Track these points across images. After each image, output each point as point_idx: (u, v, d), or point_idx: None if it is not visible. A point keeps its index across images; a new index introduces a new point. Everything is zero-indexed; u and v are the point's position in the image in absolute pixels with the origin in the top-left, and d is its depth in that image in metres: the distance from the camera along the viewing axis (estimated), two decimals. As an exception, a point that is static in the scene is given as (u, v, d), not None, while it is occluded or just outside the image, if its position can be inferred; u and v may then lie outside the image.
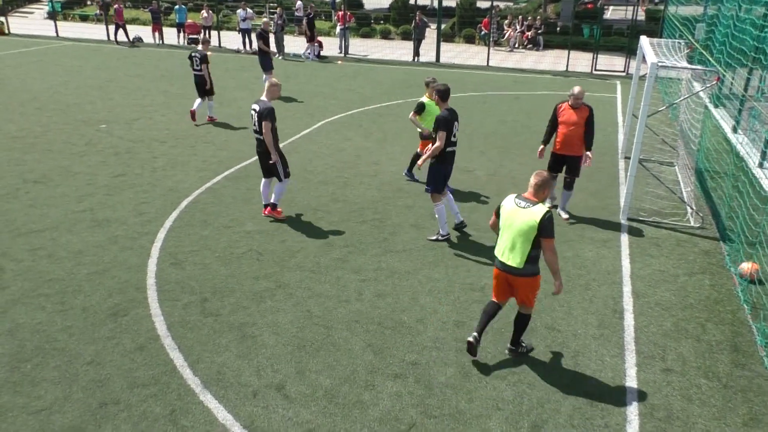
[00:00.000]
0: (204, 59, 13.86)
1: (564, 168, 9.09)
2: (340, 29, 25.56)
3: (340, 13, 25.64)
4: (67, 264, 7.55)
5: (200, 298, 6.86)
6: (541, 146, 9.05)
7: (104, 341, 6.06)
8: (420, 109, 9.84)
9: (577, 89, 8.76)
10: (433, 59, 23.99)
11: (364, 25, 31.77)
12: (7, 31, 29.15)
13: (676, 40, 12.07)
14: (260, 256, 7.85)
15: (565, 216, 9.16)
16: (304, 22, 24.14)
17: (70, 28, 30.81)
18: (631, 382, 5.65)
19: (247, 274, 7.42)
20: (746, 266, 7.30)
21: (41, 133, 13.02)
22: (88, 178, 10.45)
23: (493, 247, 5.77)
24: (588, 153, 8.78)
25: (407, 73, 21.29)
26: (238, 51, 25.43)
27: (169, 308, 6.65)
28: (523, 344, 6.01)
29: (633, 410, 5.30)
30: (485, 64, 23.37)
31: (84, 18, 35.53)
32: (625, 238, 8.56)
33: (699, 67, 10.39)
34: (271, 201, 8.96)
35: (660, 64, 8.70)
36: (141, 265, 7.56)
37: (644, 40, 11.16)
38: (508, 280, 5.65)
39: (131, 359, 5.80)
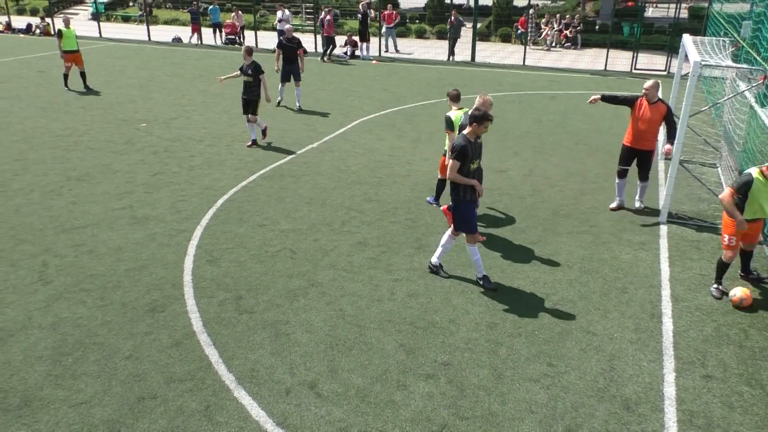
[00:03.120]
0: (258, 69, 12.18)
1: (636, 162, 9.10)
2: (387, 29, 25.69)
3: (386, 12, 25.77)
4: (107, 260, 7.75)
5: (235, 296, 6.95)
6: (598, 96, 9.06)
7: (142, 336, 6.20)
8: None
9: (648, 83, 8.72)
10: (469, 58, 23.83)
11: (399, 24, 31.75)
12: (53, 32, 30.06)
13: (721, 38, 11.73)
14: (294, 255, 7.92)
15: (640, 205, 9.29)
16: (359, 20, 24.39)
17: (113, 29, 31.60)
18: (670, 387, 5.52)
19: (281, 272, 7.49)
20: (739, 295, 6.84)
21: (84, 132, 13.38)
22: (128, 176, 10.71)
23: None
24: (669, 146, 8.77)
25: (442, 73, 21.19)
26: (274, 51, 25.66)
27: (205, 305, 6.77)
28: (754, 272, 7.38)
29: (671, 417, 5.17)
30: (521, 63, 23.11)
31: (126, 19, 36.41)
32: (664, 241, 8.37)
33: (744, 65, 10.08)
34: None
35: (703, 62, 8.47)
36: (178, 262, 7.71)
37: (687, 38, 10.88)
38: None
39: (168, 354, 5.92)
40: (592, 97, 9.10)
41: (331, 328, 6.36)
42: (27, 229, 8.58)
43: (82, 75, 17.56)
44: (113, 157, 11.77)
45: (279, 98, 15.78)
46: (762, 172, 6.60)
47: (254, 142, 12.49)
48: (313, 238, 8.41)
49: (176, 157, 11.75)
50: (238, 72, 12.28)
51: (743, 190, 6.63)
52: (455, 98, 8.94)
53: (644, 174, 9.11)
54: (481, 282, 7.19)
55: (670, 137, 8.79)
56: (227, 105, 15.98)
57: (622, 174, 9.22)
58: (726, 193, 6.74)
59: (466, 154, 6.60)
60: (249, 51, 12.27)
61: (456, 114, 8.80)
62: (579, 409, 5.26)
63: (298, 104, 15.63)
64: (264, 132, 12.70)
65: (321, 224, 8.83)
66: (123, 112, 15.23)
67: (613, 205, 9.43)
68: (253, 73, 12.04)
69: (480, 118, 6.60)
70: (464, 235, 7.05)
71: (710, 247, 8.19)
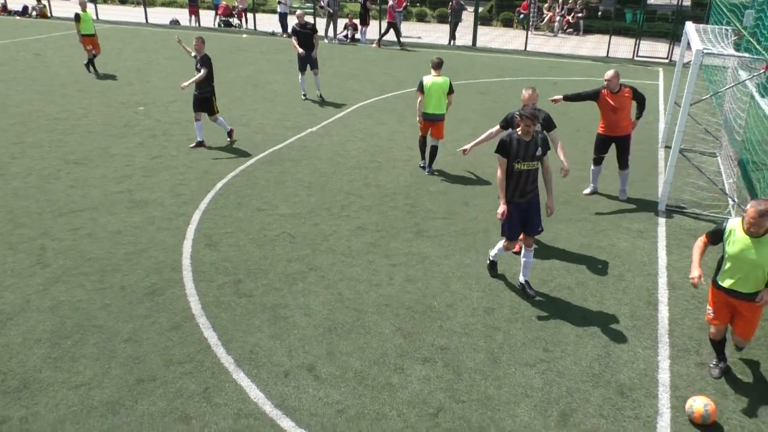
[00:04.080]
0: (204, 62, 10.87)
1: (615, 149, 9.14)
2: (396, 12, 25.47)
3: None
4: (106, 244, 7.76)
5: (234, 279, 6.98)
6: (560, 96, 9.07)
7: (141, 319, 6.23)
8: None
9: (608, 73, 8.76)
10: (470, 43, 23.68)
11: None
12: (49, 15, 29.83)
13: (723, 27, 11.68)
14: (293, 239, 7.94)
15: (622, 198, 9.36)
16: (360, 4, 24.17)
17: (110, 11, 31.30)
18: (664, 374, 5.57)
19: (279, 256, 7.51)
20: (700, 408, 4.98)
21: (82, 115, 13.33)
22: (127, 160, 10.68)
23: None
24: (636, 121, 9.13)
25: (443, 57, 21.03)
26: (273, 33, 25.53)
27: (204, 288, 6.79)
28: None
29: (665, 403, 5.22)
30: (523, 48, 22.99)
31: (123, 1, 36.09)
32: (662, 229, 8.39)
33: (746, 54, 10.05)
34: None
35: (705, 51, 8.43)
36: (177, 245, 7.72)
37: (690, 26, 10.83)
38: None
39: (167, 337, 5.95)
40: (555, 97, 9.10)
41: (329, 312, 6.39)
42: (25, 212, 8.58)
43: (93, 57, 17.42)
44: (111, 140, 11.73)
45: (303, 93, 14.95)
46: (743, 224, 5.03)
47: (231, 136, 11.51)
48: (312, 222, 8.42)
49: (175, 141, 11.72)
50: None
51: (714, 239, 5.29)
52: (436, 66, 9.81)
53: (624, 161, 9.13)
54: (488, 265, 7.18)
55: (638, 116, 9.04)
56: (224, 88, 15.90)
57: (597, 161, 9.33)
58: (701, 237, 5.46)
59: (505, 149, 6.26)
60: (202, 41, 10.94)
61: (429, 80, 9.71)
62: (574, 394, 5.30)
63: (318, 92, 14.92)
64: (230, 134, 11.54)
65: (320, 209, 8.84)
66: (121, 95, 15.16)
67: (587, 191, 9.54)
68: (200, 67, 10.77)
69: (522, 117, 6.18)
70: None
71: (708, 235, 8.21)
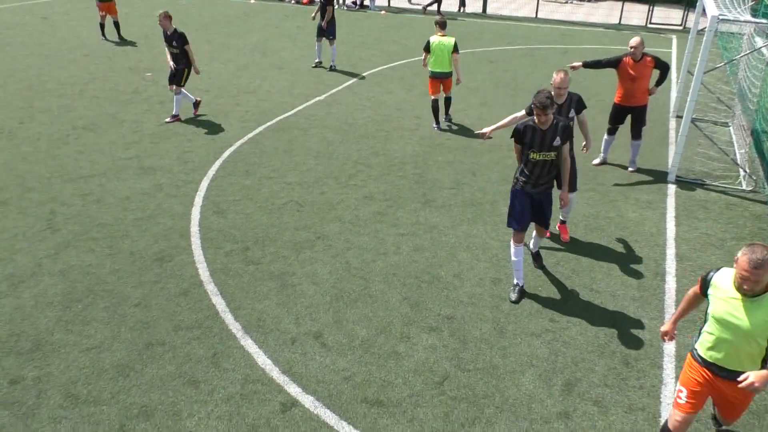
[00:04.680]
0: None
1: (630, 119, 9.01)
2: None
3: None
4: (115, 209, 7.80)
5: (242, 247, 7.01)
6: (579, 63, 8.80)
7: (150, 285, 6.29)
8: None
9: (633, 40, 8.58)
10: (480, 10, 23.28)
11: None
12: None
13: (740, -8, 11.38)
14: (300, 207, 7.95)
15: (632, 169, 9.25)
16: None
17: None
18: (669, 345, 5.58)
19: (287, 224, 7.53)
20: None
21: (90, 81, 13.27)
22: (135, 126, 10.66)
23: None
24: (655, 88, 8.89)
25: (453, 25, 20.71)
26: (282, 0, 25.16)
27: (212, 255, 6.84)
28: None
29: (669, 373, 5.26)
30: (534, 15, 22.57)
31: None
32: (671, 200, 8.33)
33: (763, 21, 9.82)
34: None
35: (721, 17, 8.24)
36: (185, 212, 7.75)
37: (705, -9, 10.56)
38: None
39: (176, 303, 6.02)
40: (574, 63, 8.85)
41: (336, 281, 6.43)
42: (34, 177, 8.62)
43: (116, 24, 17.09)
44: (119, 106, 11.70)
45: (316, 59, 14.73)
46: (734, 279, 3.69)
47: (176, 117, 10.94)
48: (319, 191, 8.42)
49: (183, 108, 11.65)
50: (166, 44, 10.74)
51: (703, 289, 3.96)
52: (441, 25, 10.27)
53: (638, 131, 8.99)
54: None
55: (659, 82, 8.82)
56: (232, 55, 15.77)
57: (611, 131, 9.22)
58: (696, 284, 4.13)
59: (519, 136, 5.83)
60: (169, 17, 10.43)
61: (435, 39, 10.18)
62: (579, 364, 5.34)
63: (332, 63, 14.53)
64: (196, 105, 11.22)
65: (328, 177, 8.82)
66: (128, 61, 15.05)
67: (597, 161, 9.43)
68: (178, 45, 10.48)
69: (533, 106, 5.59)
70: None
71: (717, 207, 8.16)
